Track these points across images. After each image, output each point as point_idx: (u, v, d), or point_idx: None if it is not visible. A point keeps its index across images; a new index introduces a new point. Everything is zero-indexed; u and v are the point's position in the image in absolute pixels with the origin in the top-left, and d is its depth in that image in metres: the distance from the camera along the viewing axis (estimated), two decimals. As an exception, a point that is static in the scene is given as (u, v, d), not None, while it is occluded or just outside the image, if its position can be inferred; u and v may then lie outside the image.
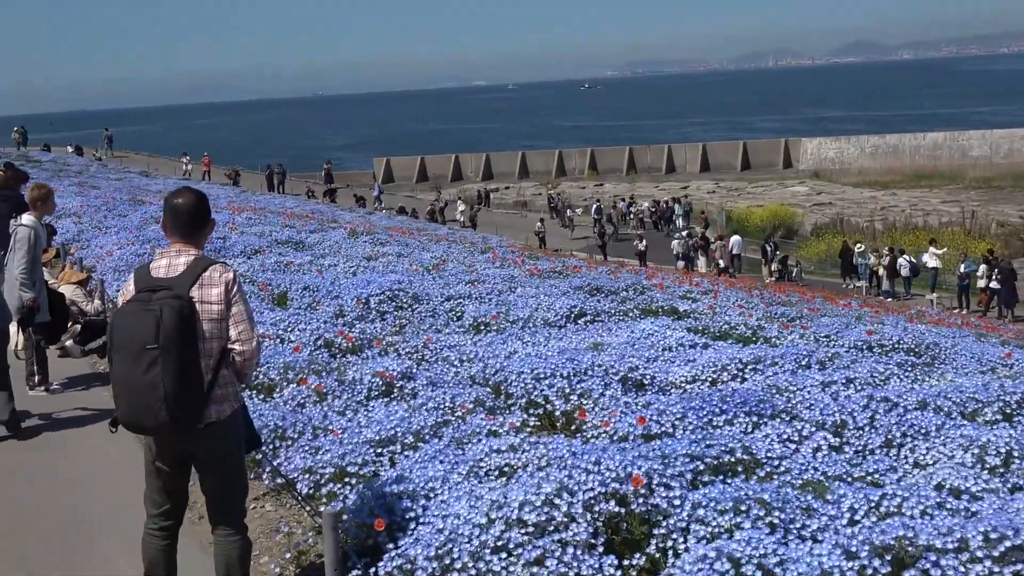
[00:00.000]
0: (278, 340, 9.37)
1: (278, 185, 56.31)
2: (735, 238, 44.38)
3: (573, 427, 7.00)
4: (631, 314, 11.07)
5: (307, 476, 6.20)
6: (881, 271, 35.48)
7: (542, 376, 7.47)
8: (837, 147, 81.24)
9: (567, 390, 7.28)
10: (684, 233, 46.94)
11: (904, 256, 35.68)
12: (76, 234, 17.75)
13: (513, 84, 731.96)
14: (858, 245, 38.18)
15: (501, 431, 6.69)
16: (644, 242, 44.59)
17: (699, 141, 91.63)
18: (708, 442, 5.80)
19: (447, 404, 7.16)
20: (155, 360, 4.52)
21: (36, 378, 9.78)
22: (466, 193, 66.09)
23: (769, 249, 38.82)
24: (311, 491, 6.12)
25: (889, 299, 33.17)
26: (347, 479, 6.03)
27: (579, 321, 10.56)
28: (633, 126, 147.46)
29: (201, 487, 5.12)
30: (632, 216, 55.55)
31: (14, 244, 9.43)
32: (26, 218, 9.58)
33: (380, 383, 7.77)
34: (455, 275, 13.39)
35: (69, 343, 10.85)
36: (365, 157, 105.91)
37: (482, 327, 10.22)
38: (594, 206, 56.05)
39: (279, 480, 6.44)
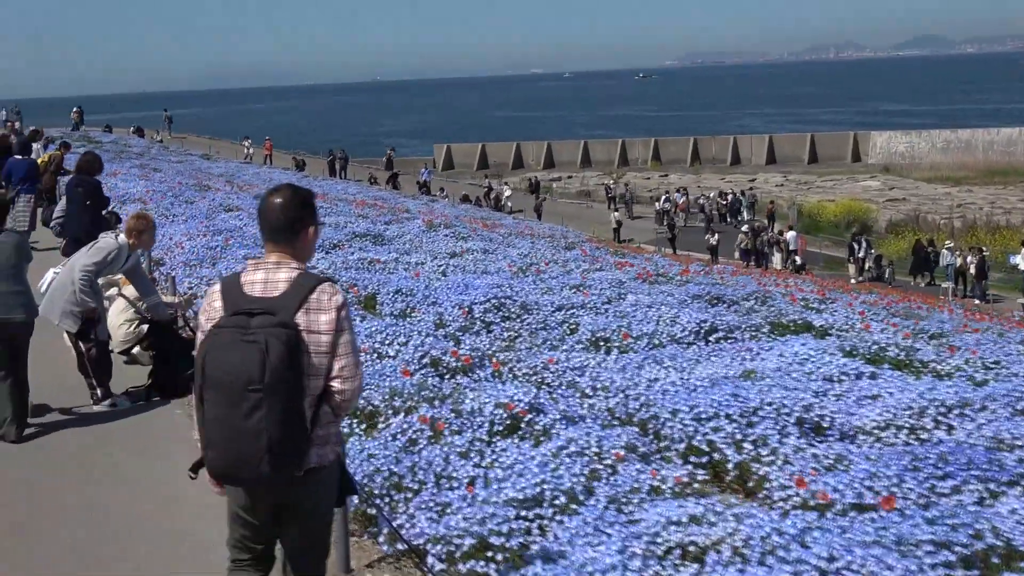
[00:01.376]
0: (375, 355, 8.22)
1: (340, 171, 55.48)
2: (791, 233, 43.07)
3: (750, 484, 5.78)
4: (762, 330, 9.78)
5: (437, 544, 5.02)
6: (972, 270, 33.89)
7: (704, 416, 6.24)
8: (907, 141, 79.01)
9: (737, 436, 6.04)
10: (745, 228, 45.43)
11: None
12: (141, 222, 16.73)
13: (569, 72, 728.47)
14: (947, 242, 36.54)
15: (664, 487, 5.50)
16: (716, 236, 43.15)
17: (762, 133, 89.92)
18: (949, 521, 4.56)
19: (592, 449, 5.94)
20: (259, 403, 3.66)
21: (99, 391, 8.68)
22: (526, 182, 64.93)
23: (856, 247, 37.01)
24: (443, 563, 4.95)
25: (978, 301, 31.67)
26: (491, 552, 4.85)
27: (710, 338, 9.29)
28: (692, 117, 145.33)
29: (281, 541, 4.19)
30: (701, 208, 53.97)
31: (91, 249, 8.41)
32: (122, 237, 8.65)
33: (504, 415, 6.57)
34: (557, 278, 12.14)
35: (137, 349, 9.76)
36: (424, 143, 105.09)
37: (601, 343, 8.99)
38: (662, 197, 54.61)
39: (399, 546, 5.27)
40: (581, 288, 11.49)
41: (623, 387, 7.14)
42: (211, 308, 3.96)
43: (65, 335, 8.73)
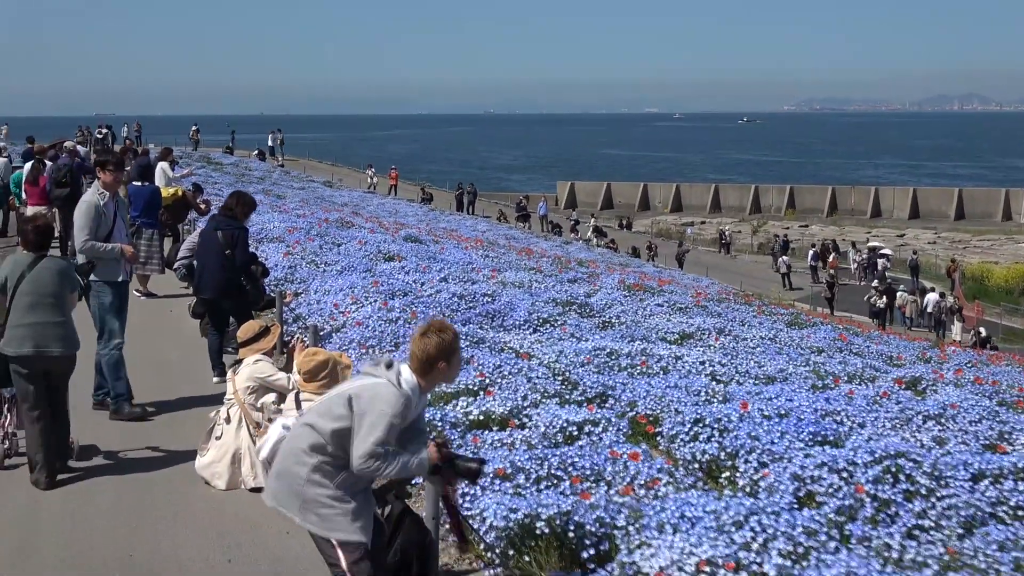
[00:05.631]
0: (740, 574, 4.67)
1: (468, 205, 52.49)
2: (931, 295, 39.08)
3: None
4: None
5: None
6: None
7: None
8: (1064, 200, 73.35)
9: None
10: (875, 283, 41.71)
11: None
12: (287, 271, 13.34)
13: (679, 113, 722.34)
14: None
15: None
16: (884, 298, 38.90)
17: (904, 185, 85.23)
18: None
19: None
20: None
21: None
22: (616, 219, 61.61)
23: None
24: None
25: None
26: None
27: None
28: (815, 164, 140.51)
29: None
30: (858, 265, 49.63)
31: (369, 392, 4.61)
32: (410, 376, 4.77)
33: None
34: (902, 401, 8.29)
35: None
36: (543, 179, 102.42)
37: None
38: (810, 252, 50.47)
39: None
40: (942, 419, 7.75)
41: None
42: None
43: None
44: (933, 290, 41.42)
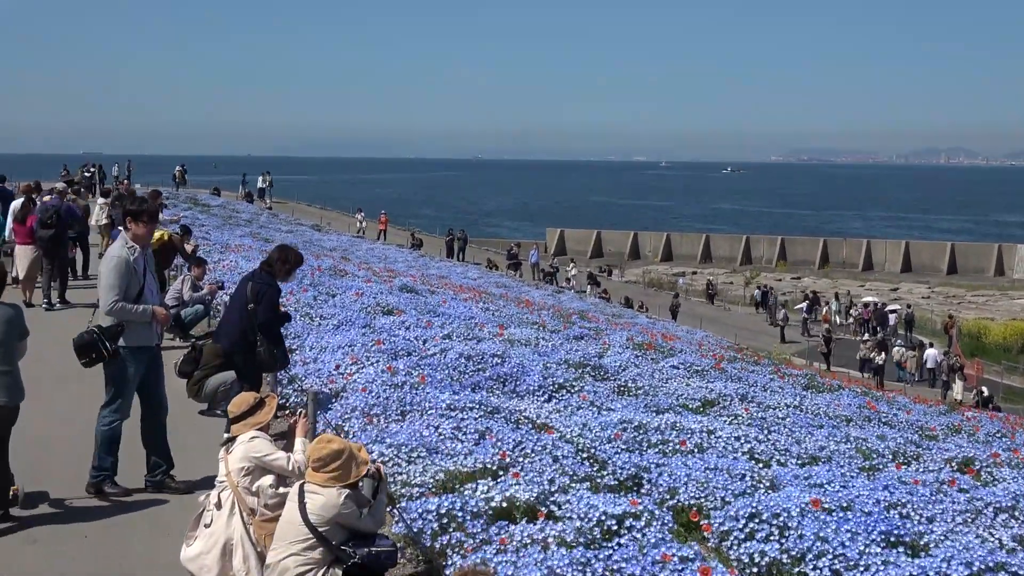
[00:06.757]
0: None
1: (458, 252, 51.80)
2: (930, 351, 38.51)
3: None
4: None
5: None
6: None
7: None
8: (1057, 255, 73.01)
9: None
10: (866, 336, 41.36)
11: None
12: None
13: (666, 162, 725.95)
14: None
15: None
16: (883, 354, 38.14)
17: (896, 238, 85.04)
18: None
19: None
20: None
21: None
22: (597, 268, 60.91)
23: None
24: None
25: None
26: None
27: None
28: (802, 216, 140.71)
29: None
30: (853, 319, 48.99)
31: None
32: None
33: None
34: (970, 490, 7.50)
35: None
36: (532, 226, 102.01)
37: None
38: (804, 304, 49.83)
39: None
40: (1015, 512, 6.95)
41: None
42: None
43: None
44: (932, 345, 40.78)
